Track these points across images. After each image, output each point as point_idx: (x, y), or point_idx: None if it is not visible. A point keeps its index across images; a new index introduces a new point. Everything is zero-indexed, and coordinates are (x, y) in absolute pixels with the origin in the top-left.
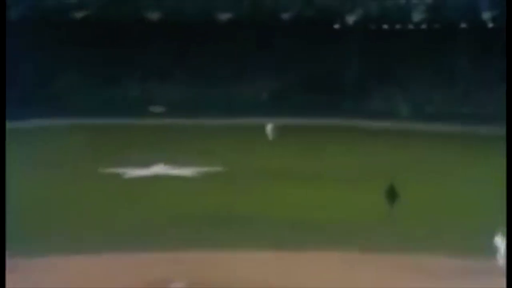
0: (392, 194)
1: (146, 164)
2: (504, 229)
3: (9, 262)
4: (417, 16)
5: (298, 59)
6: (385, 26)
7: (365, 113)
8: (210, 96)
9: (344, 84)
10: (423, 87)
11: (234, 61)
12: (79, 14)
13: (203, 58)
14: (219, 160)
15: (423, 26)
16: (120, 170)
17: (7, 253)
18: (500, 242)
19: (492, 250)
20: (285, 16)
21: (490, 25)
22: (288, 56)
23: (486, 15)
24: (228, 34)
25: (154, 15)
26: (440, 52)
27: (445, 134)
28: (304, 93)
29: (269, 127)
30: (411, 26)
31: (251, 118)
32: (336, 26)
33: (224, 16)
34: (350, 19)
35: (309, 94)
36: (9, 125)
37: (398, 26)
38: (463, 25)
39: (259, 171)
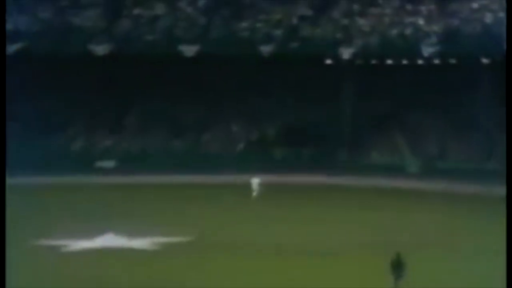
0: (399, 267)
1: (92, 233)
2: None
3: None
4: (426, 50)
5: (281, 102)
6: (388, 62)
7: (363, 169)
8: (171, 148)
9: (337, 132)
10: (433, 136)
11: (202, 104)
12: (11, 48)
13: (163, 101)
14: (183, 228)
15: (434, 61)
16: (60, 242)
17: None
18: None
19: None
20: (265, 49)
21: None
22: (268, 98)
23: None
24: (195, 71)
25: (101, 48)
26: (454, 93)
27: (460, 195)
28: (288, 144)
29: (255, 182)
30: (419, 61)
31: (223, 175)
32: (328, 61)
33: (190, 49)
34: (346, 52)
35: (294, 145)
36: None
37: (403, 62)
38: (482, 60)
39: (232, 242)
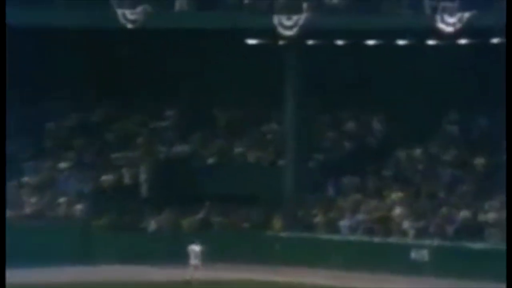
0: None
1: None
2: None
3: None
4: (444, 20)
5: (159, 117)
6: (368, 42)
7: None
8: None
9: (274, 181)
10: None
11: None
12: None
13: None
14: None
15: (457, 42)
16: None
17: None
18: None
19: None
20: (131, 17)
21: None
22: (129, 105)
23: None
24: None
25: None
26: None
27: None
28: (180, 204)
29: (195, 250)
30: (429, 41)
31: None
32: (253, 41)
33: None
34: (287, 25)
35: (192, 206)
36: None
37: (398, 42)
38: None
39: None
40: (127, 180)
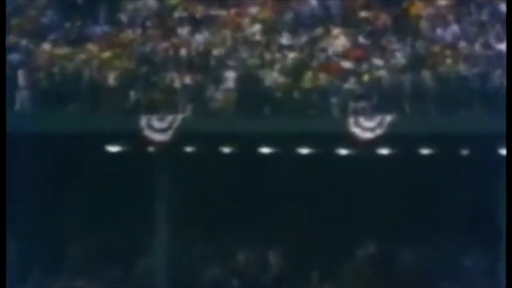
0: None
1: None
2: None
3: None
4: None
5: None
6: (263, 150)
7: None
8: None
9: None
10: None
11: None
12: None
13: None
14: None
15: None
16: None
17: None
18: None
19: None
20: None
21: None
22: None
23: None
24: None
25: None
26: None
27: None
28: None
29: None
30: (338, 151)
31: None
32: (113, 147)
33: None
34: (158, 128)
35: None
36: None
37: (299, 150)
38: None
39: None
40: None
